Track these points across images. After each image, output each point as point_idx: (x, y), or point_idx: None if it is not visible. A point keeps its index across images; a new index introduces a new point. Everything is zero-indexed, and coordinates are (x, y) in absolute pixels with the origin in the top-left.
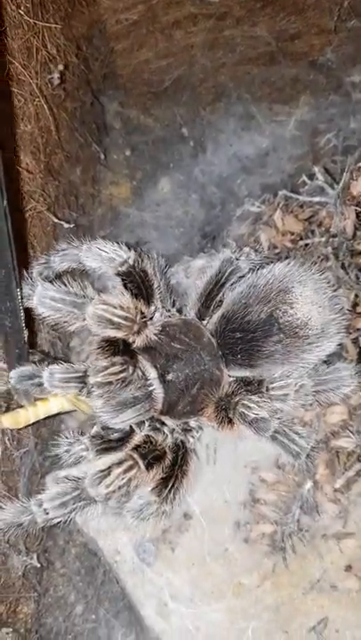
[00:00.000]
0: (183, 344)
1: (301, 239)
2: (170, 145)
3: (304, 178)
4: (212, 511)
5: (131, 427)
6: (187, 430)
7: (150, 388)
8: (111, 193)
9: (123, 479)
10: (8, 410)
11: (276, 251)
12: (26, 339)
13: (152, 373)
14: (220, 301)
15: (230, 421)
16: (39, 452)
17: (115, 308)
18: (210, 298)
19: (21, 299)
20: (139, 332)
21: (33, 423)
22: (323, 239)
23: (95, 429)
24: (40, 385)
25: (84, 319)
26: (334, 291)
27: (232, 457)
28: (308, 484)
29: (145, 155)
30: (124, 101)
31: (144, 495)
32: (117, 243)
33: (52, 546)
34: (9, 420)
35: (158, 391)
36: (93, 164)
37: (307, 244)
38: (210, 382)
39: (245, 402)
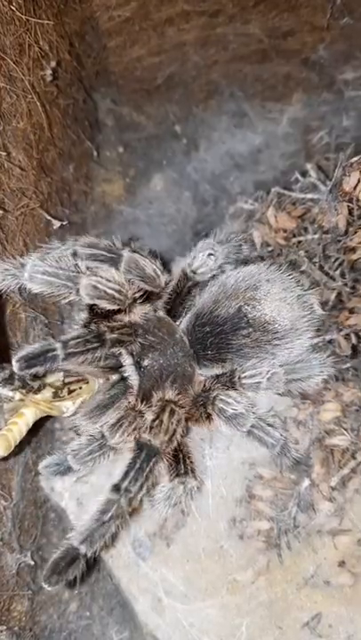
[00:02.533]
0: (157, 337)
1: (294, 236)
2: (163, 142)
3: (297, 175)
4: (208, 507)
5: None
6: None
7: (125, 375)
8: (104, 190)
9: (174, 422)
10: None
11: (270, 248)
12: None
13: (128, 360)
14: (187, 306)
15: (209, 417)
16: (32, 449)
17: (108, 280)
18: (175, 304)
19: None
20: (129, 309)
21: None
22: (316, 236)
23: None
24: (54, 358)
25: (78, 291)
26: (304, 290)
27: (227, 452)
28: (306, 482)
29: (138, 152)
30: (116, 98)
31: (165, 485)
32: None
33: (46, 544)
34: (2, 446)
35: (134, 378)
36: (86, 162)
37: (300, 241)
38: (182, 378)
39: (223, 397)
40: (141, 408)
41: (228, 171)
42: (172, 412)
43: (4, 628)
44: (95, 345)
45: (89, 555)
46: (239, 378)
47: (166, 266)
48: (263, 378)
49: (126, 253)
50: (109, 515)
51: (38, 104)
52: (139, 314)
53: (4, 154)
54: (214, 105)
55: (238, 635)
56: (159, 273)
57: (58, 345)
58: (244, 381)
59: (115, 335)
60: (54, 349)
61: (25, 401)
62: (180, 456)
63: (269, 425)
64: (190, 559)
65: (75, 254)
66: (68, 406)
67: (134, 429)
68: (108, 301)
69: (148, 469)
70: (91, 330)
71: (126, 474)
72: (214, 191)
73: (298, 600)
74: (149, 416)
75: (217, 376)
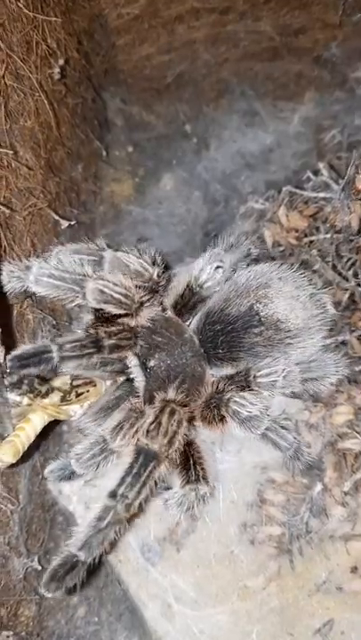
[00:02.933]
0: (165, 337)
1: (306, 236)
2: (172, 142)
3: (309, 174)
4: (219, 512)
5: None
6: None
7: (131, 376)
8: (113, 190)
9: (174, 423)
10: None
11: (281, 248)
12: (1, 357)
13: (133, 361)
14: (199, 304)
15: (222, 419)
16: (40, 452)
17: (115, 284)
18: (182, 313)
19: None
20: (135, 314)
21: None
22: (328, 235)
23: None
24: (48, 360)
25: (84, 295)
26: (316, 288)
27: (238, 456)
28: (318, 487)
29: (147, 151)
30: (125, 98)
31: (177, 490)
32: (140, 252)
33: (54, 548)
34: (10, 453)
35: (140, 379)
36: (95, 161)
37: (312, 241)
38: (192, 378)
39: (238, 399)
40: (147, 410)
41: (238, 170)
42: (172, 413)
43: (11, 633)
44: (91, 350)
45: (88, 561)
46: (255, 377)
47: (173, 265)
48: (279, 376)
49: (108, 253)
50: (106, 522)
51: (46, 103)
52: (146, 317)
53: (12, 152)
54: (225, 104)
55: None
56: (147, 266)
57: (54, 347)
58: (259, 380)
59: (113, 341)
60: (50, 351)
61: (33, 406)
62: (191, 462)
63: (283, 428)
64: (200, 565)
65: (59, 262)
66: (75, 410)
67: (136, 432)
68: (114, 306)
69: (145, 475)
70: (89, 334)
71: (123, 479)
72: (225, 191)
73: (309, 606)
74: (149, 418)
75: (231, 376)
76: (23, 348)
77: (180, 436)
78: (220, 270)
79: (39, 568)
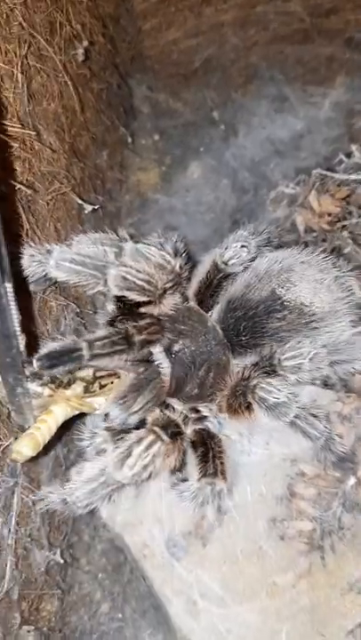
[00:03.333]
0: (187, 325)
1: (339, 220)
2: (200, 129)
3: (341, 156)
4: (247, 505)
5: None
6: (200, 419)
7: (156, 363)
8: (139, 179)
9: (146, 457)
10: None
11: (314, 234)
12: (21, 345)
13: (157, 347)
14: (218, 297)
15: (248, 407)
16: (63, 443)
17: (138, 271)
18: (205, 295)
19: (14, 298)
20: (159, 301)
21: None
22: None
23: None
24: (79, 358)
25: (106, 282)
26: (342, 272)
27: (267, 448)
28: (351, 480)
29: (174, 139)
30: (152, 84)
31: (193, 483)
32: (162, 244)
33: (77, 541)
34: (30, 446)
35: (165, 365)
36: (121, 149)
37: (344, 226)
38: (217, 367)
39: (264, 385)
40: (172, 401)
41: (268, 157)
42: (152, 444)
43: (32, 628)
44: (122, 347)
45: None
46: (279, 360)
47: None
48: (305, 359)
49: (128, 245)
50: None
51: (70, 86)
52: (169, 305)
53: (35, 134)
54: (254, 89)
55: None
56: (169, 258)
57: (84, 344)
58: (284, 363)
59: (143, 336)
60: (80, 349)
61: (54, 397)
62: (211, 455)
63: (313, 416)
64: (227, 560)
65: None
66: (100, 403)
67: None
68: (137, 293)
69: (101, 494)
70: (118, 330)
71: (82, 485)
72: (254, 178)
73: (342, 606)
74: (123, 444)
75: (256, 363)
76: (51, 346)
77: (152, 469)
78: (246, 250)
79: (62, 562)
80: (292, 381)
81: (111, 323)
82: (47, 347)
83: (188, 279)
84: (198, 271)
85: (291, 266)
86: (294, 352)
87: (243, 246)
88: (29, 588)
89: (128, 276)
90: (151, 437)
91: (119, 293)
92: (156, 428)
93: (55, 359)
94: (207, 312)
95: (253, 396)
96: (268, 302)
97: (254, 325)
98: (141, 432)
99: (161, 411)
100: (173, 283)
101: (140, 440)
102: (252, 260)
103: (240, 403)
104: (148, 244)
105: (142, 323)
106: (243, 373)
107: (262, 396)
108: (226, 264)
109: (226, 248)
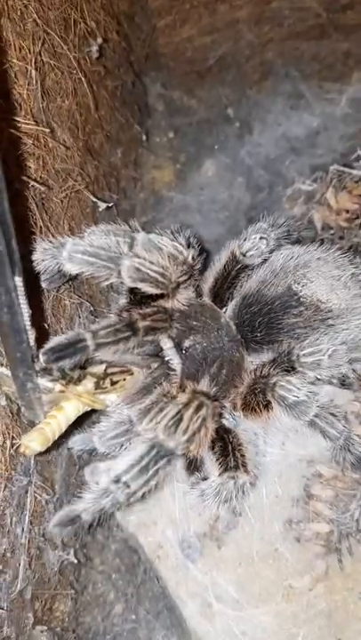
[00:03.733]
0: (200, 321)
1: (357, 217)
2: (214, 126)
3: (359, 152)
4: (262, 507)
5: None
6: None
7: (167, 359)
8: (154, 177)
9: (197, 420)
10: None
11: (331, 232)
12: (31, 340)
13: (168, 343)
14: (234, 291)
15: (267, 405)
16: None
17: (152, 263)
18: (222, 289)
19: (24, 293)
20: (172, 294)
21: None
22: None
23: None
24: (84, 349)
25: (119, 273)
26: (359, 269)
27: (283, 448)
28: None
29: (188, 137)
30: (166, 82)
31: (215, 479)
32: (174, 234)
33: (91, 541)
34: (38, 441)
35: (175, 361)
36: (135, 147)
37: None
38: (230, 363)
39: (284, 383)
40: (179, 396)
41: (283, 155)
42: (199, 408)
43: (46, 628)
44: (127, 334)
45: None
46: (298, 356)
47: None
48: (324, 355)
49: (140, 235)
50: (105, 501)
51: (85, 83)
52: (182, 299)
53: (48, 131)
54: (269, 86)
55: None
56: (181, 249)
57: (88, 335)
58: (303, 360)
59: (147, 322)
60: (84, 339)
61: (66, 393)
62: (230, 448)
63: (332, 415)
64: (243, 562)
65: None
66: (112, 399)
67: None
68: (150, 284)
69: (153, 470)
70: (122, 318)
71: (130, 467)
72: (269, 176)
73: (360, 610)
74: (171, 411)
75: (273, 359)
76: (56, 340)
77: (202, 434)
78: (265, 242)
79: (75, 562)
80: (311, 378)
81: (120, 314)
82: (52, 340)
83: (201, 272)
84: (215, 265)
85: (307, 262)
86: (313, 348)
87: (262, 238)
88: (43, 587)
89: (142, 268)
90: (198, 400)
91: (132, 285)
92: (198, 394)
93: (61, 352)
94: (222, 307)
95: (273, 394)
96: (284, 298)
97: (270, 321)
98: (184, 397)
99: None
100: (187, 276)
101: (187, 404)
102: (271, 252)
103: (259, 401)
104: (161, 235)
105: (148, 310)
106: (261, 371)
107: (282, 394)
108: (244, 255)
109: (245, 239)
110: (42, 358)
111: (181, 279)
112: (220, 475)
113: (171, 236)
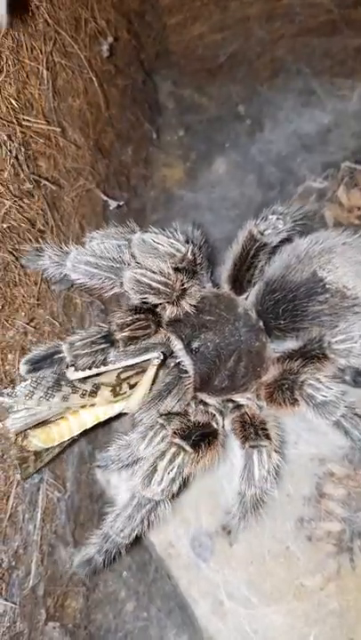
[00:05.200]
0: (213, 315)
1: None
2: (225, 124)
3: None
4: (274, 506)
5: None
6: (237, 407)
7: (178, 360)
8: (164, 175)
9: (172, 470)
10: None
11: (343, 229)
12: None
13: (177, 345)
14: (256, 275)
15: (294, 402)
16: (88, 441)
17: (154, 273)
18: (241, 272)
19: None
20: (177, 302)
21: (68, 441)
22: None
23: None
24: (60, 361)
25: (122, 284)
26: None
27: (295, 448)
28: None
29: (199, 135)
30: (177, 80)
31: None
32: (170, 230)
33: None
34: (40, 438)
35: (187, 362)
36: (145, 145)
37: None
38: (249, 354)
39: (313, 382)
40: (202, 396)
41: (294, 152)
42: (175, 456)
43: (58, 624)
44: (102, 346)
45: None
46: (330, 343)
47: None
48: (356, 342)
49: (135, 236)
50: (107, 545)
51: (95, 82)
52: (191, 301)
53: (60, 130)
54: (280, 83)
55: None
56: (178, 246)
57: (64, 347)
58: (335, 347)
59: (126, 333)
60: (60, 352)
61: (86, 406)
62: (250, 423)
63: (358, 416)
64: (254, 561)
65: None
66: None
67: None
68: (154, 295)
69: (138, 518)
70: (99, 329)
71: (116, 516)
72: (280, 174)
73: None
74: (146, 461)
75: (302, 347)
76: (35, 351)
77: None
78: (281, 221)
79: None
80: (342, 365)
81: (99, 324)
82: (32, 351)
83: (203, 265)
84: (232, 248)
85: (332, 247)
86: (346, 335)
87: (278, 218)
88: (55, 584)
89: (143, 279)
90: (173, 450)
91: (135, 296)
92: (177, 440)
93: (37, 363)
94: (243, 293)
95: (301, 392)
96: (309, 284)
97: (295, 309)
98: (163, 445)
99: (195, 406)
100: (191, 276)
101: (162, 454)
102: (290, 230)
103: (286, 397)
104: (157, 233)
105: (128, 319)
106: (289, 364)
107: (310, 393)
108: (262, 234)
109: (262, 218)
110: (22, 368)
111: (186, 285)
112: (242, 447)
113: (168, 232)
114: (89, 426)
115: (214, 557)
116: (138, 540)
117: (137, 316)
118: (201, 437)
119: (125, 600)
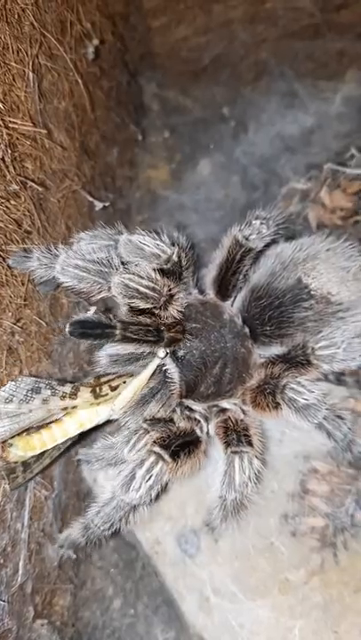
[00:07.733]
0: (199, 322)
1: (351, 216)
2: (210, 126)
3: (353, 151)
4: (258, 502)
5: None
6: (222, 411)
7: (163, 369)
8: (149, 176)
9: (150, 479)
10: None
11: (326, 230)
12: None
13: (162, 353)
14: (241, 280)
15: (277, 406)
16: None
17: (142, 278)
18: (227, 277)
19: None
20: (165, 307)
21: (52, 450)
22: None
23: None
24: (112, 336)
25: (110, 289)
26: None
27: (279, 445)
28: None
29: (184, 136)
30: (161, 82)
31: (220, 466)
32: (157, 232)
33: None
34: (20, 446)
35: (172, 370)
36: (131, 146)
37: (357, 221)
38: (235, 361)
39: (294, 385)
40: (188, 403)
41: (278, 154)
42: (153, 465)
43: (46, 622)
44: (153, 339)
45: None
46: (313, 349)
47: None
48: (339, 348)
49: (122, 238)
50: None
51: (81, 84)
52: (177, 306)
53: (45, 132)
54: (263, 85)
55: (291, 637)
56: (164, 248)
57: (118, 324)
58: (318, 352)
59: (171, 334)
60: (114, 327)
61: (68, 410)
62: (232, 429)
63: (339, 417)
64: (239, 556)
65: (86, 251)
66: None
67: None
68: (141, 300)
69: (117, 517)
70: (152, 322)
71: (96, 513)
72: (264, 175)
73: (356, 604)
74: (125, 468)
75: (286, 354)
76: (88, 315)
77: (155, 490)
78: (265, 226)
79: (74, 557)
80: (326, 370)
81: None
82: (83, 315)
83: (189, 268)
84: (217, 253)
85: (316, 253)
86: (329, 341)
87: (262, 223)
88: (43, 582)
89: (131, 284)
90: (152, 459)
91: (122, 301)
92: (157, 449)
93: (88, 328)
94: (228, 298)
95: (283, 396)
96: (295, 291)
97: (280, 315)
98: (143, 453)
99: (181, 412)
100: (178, 280)
101: (142, 462)
102: (273, 234)
103: (268, 402)
104: (143, 235)
105: (170, 321)
106: (272, 369)
107: (292, 396)
108: (247, 239)
109: (246, 224)
110: (67, 328)
111: (174, 291)
112: (224, 452)
113: (154, 234)
114: (73, 434)
115: (200, 554)
116: (124, 539)
117: (174, 320)
118: (181, 446)
119: (113, 597)
